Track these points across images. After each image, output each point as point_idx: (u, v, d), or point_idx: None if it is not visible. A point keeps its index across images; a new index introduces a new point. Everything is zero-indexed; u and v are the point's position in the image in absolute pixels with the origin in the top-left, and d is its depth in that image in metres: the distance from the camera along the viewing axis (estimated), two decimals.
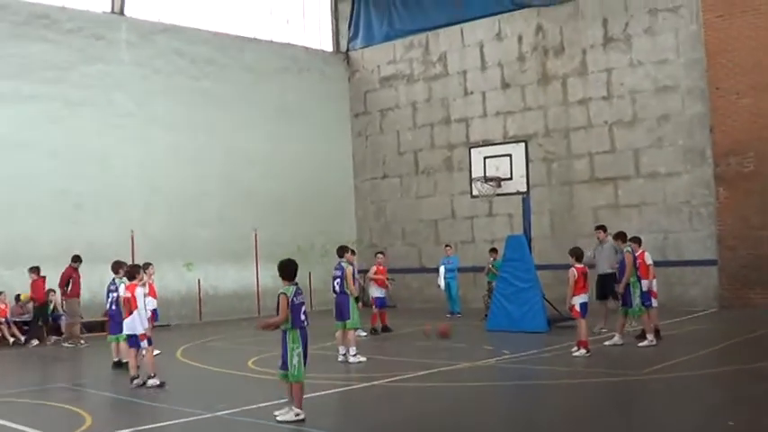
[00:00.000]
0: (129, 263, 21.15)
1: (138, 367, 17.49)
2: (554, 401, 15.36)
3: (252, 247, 34.50)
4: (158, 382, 17.11)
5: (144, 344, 17.47)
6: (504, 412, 14.54)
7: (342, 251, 21.53)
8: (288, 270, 13.70)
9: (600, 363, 18.52)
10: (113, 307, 20.36)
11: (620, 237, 21.91)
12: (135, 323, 17.43)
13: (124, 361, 19.89)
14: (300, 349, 13.36)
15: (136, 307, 17.41)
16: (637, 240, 21.86)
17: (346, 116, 40.47)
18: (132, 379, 17.39)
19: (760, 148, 28.25)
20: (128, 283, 18.07)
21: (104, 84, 31.53)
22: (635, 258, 21.15)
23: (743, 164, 28.61)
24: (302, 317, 13.36)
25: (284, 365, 13.33)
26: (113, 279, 20.56)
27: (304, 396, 13.38)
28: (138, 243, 30.66)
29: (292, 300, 13.33)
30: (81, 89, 30.90)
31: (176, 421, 13.82)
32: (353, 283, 21.20)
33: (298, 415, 13.21)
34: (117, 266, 20.59)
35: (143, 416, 14.54)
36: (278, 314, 13.24)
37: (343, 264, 21.05)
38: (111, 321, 20.81)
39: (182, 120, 33.55)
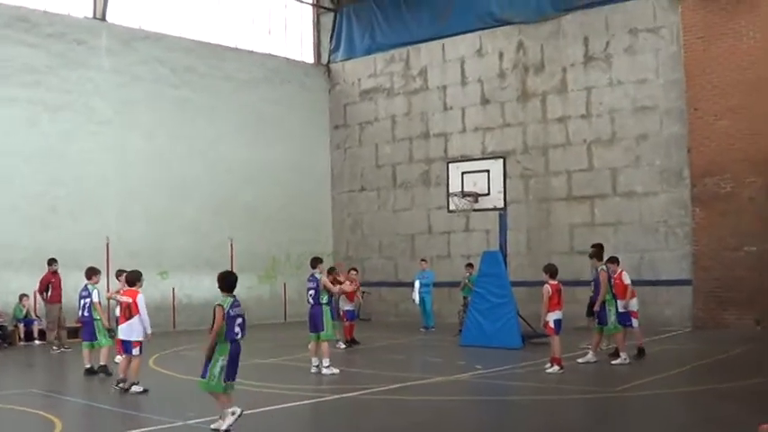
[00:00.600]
0: (121, 269, 21.13)
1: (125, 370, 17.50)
2: (526, 417, 15.33)
3: (227, 257, 34.39)
4: (141, 389, 17.15)
5: (135, 351, 17.49)
6: (475, 427, 14.49)
7: (315, 262, 21.44)
8: (226, 282, 13.66)
9: (573, 380, 18.53)
10: (86, 314, 20.31)
11: (596, 255, 21.88)
12: (131, 329, 17.56)
13: (97, 367, 19.92)
14: (225, 362, 13.16)
15: (137, 313, 17.56)
16: (615, 260, 21.91)
17: (325, 128, 40.42)
18: (119, 381, 17.40)
19: (736, 170, 28.36)
20: (127, 288, 18.24)
21: (84, 89, 31.40)
22: (610, 277, 21.18)
23: (719, 185, 28.71)
24: (236, 329, 13.23)
25: (204, 374, 13.15)
26: (86, 285, 20.59)
27: (278, 405, 13.28)
28: (114, 250, 30.48)
29: (228, 312, 13.23)
30: (60, 94, 30.77)
31: (146, 429, 13.74)
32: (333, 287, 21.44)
33: (223, 419, 13.19)
34: (90, 273, 20.73)
35: (113, 423, 14.51)
36: (212, 326, 13.05)
37: (316, 275, 20.96)
38: (84, 328, 20.72)
39: (160, 127, 33.42)
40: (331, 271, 24.54)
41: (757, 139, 27.98)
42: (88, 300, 20.30)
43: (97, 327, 20.27)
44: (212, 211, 34.75)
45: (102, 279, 29.98)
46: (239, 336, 13.27)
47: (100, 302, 20.50)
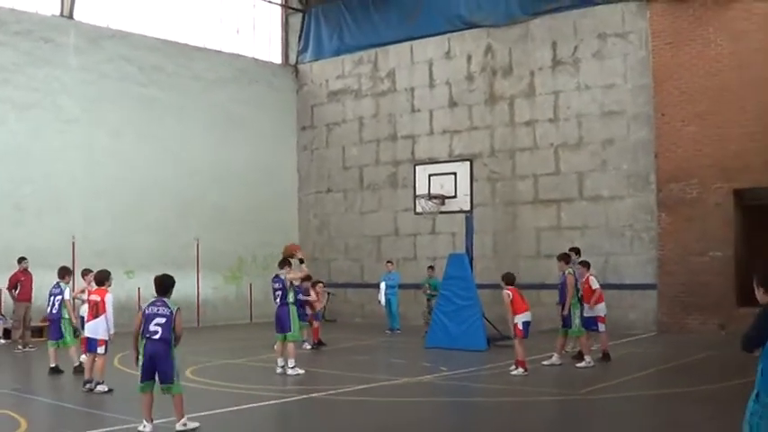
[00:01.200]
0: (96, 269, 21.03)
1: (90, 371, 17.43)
2: (490, 419, 15.33)
3: (193, 257, 34.32)
4: (106, 389, 17.04)
5: (101, 350, 17.36)
6: (440, 429, 14.48)
7: (283, 263, 21.36)
8: (155, 285, 13.61)
9: (537, 383, 18.51)
10: (54, 311, 20.17)
11: (564, 258, 21.85)
12: (98, 327, 17.48)
13: (75, 367, 19.89)
14: (141, 361, 13.22)
15: (104, 311, 17.45)
16: (586, 264, 22.01)
17: (293, 129, 40.33)
18: (86, 383, 17.31)
19: (703, 176, 28.49)
20: (95, 287, 18.14)
21: (51, 87, 31.14)
22: (577, 281, 21.24)
23: (685, 190, 28.83)
24: (151, 327, 13.08)
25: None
26: (57, 283, 20.49)
27: (243, 406, 13.21)
28: (80, 248, 30.34)
29: (144, 310, 13.32)
30: (27, 92, 30.51)
31: (111, 428, 13.71)
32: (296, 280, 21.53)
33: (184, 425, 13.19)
34: (64, 272, 20.71)
35: (79, 422, 14.37)
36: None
37: (281, 276, 20.87)
38: (51, 326, 20.59)
39: (128, 126, 33.16)
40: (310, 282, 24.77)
41: (724, 145, 28.11)
42: (59, 297, 20.16)
43: (64, 325, 20.14)
44: (179, 211, 34.56)
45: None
46: (156, 335, 13.06)
47: (71, 300, 20.41)
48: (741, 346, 8.37)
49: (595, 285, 21.65)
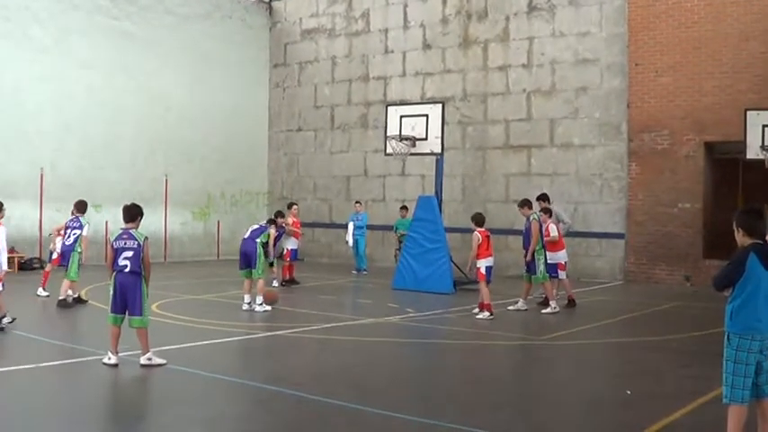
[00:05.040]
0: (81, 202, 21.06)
1: None
2: (453, 361, 15.36)
3: (162, 193, 34.16)
4: (10, 320, 16.49)
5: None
6: (405, 368, 14.48)
7: (277, 215, 22.67)
8: (123, 212, 13.72)
9: (502, 327, 18.54)
10: (67, 243, 20.39)
11: (526, 204, 21.79)
12: None
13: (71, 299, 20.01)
14: (111, 292, 13.27)
15: None
16: (547, 212, 22.00)
17: (265, 66, 40.09)
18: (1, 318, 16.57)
19: (674, 127, 28.54)
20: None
21: (21, 17, 30.50)
22: (541, 227, 21.25)
23: (657, 141, 28.89)
24: (120, 261, 13.13)
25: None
26: (77, 216, 20.68)
27: (209, 341, 13.12)
28: (48, 181, 30.19)
29: (112, 243, 13.35)
30: None
31: (76, 360, 13.76)
32: (273, 247, 22.06)
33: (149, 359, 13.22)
34: (82, 206, 20.89)
35: (44, 354, 14.21)
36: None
37: (269, 227, 21.43)
38: (62, 256, 20.59)
39: (99, 59, 32.69)
40: (278, 215, 24.67)
41: (697, 97, 28.16)
42: (77, 231, 20.30)
43: (73, 258, 20.10)
44: (149, 146, 34.28)
45: (36, 210, 29.94)
46: (126, 269, 13.08)
47: (87, 237, 20.56)
48: (713, 283, 8.69)
49: (554, 233, 21.64)
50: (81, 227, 20.33)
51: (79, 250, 20.14)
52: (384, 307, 21.68)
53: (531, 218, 21.26)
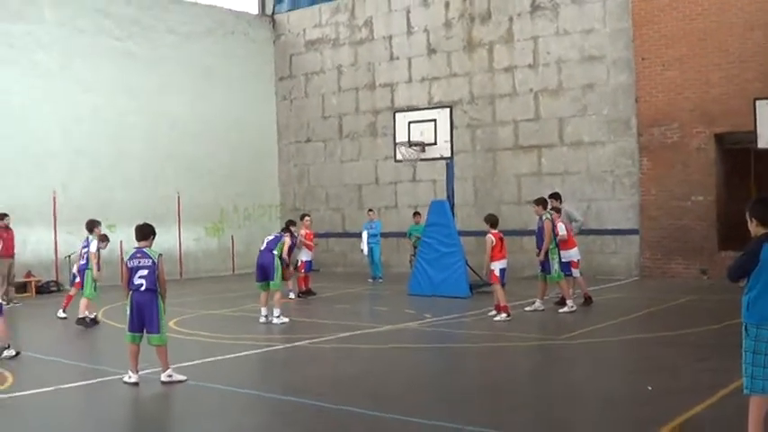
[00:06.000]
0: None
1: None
2: (471, 364, 15.41)
3: (174, 210, 34.20)
4: (14, 353, 15.90)
5: None
6: (425, 373, 14.49)
7: (289, 223, 23.47)
8: (135, 232, 13.78)
9: (520, 328, 18.53)
10: (82, 263, 20.68)
11: (541, 203, 21.80)
12: None
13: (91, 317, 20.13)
14: (128, 312, 13.38)
15: None
16: (557, 210, 22.00)
17: (271, 79, 40.09)
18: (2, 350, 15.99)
19: (684, 120, 28.46)
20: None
21: (26, 43, 30.70)
22: (554, 226, 21.25)
23: (666, 134, 28.81)
24: (136, 281, 13.21)
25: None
26: (87, 237, 20.82)
27: (229, 355, 13.15)
28: (60, 204, 30.31)
29: (126, 262, 13.47)
30: (2, 48, 30.12)
31: (97, 380, 13.78)
32: (288, 256, 22.14)
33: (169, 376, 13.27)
34: (92, 225, 20.99)
35: (69, 375, 14.23)
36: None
37: (284, 236, 21.56)
38: (81, 278, 20.81)
39: (105, 81, 32.80)
40: (290, 224, 24.67)
41: (704, 89, 28.07)
42: (86, 250, 20.55)
43: (87, 277, 20.24)
44: (158, 164, 34.31)
45: (50, 233, 30.06)
46: (142, 287, 13.16)
47: (97, 253, 20.54)
48: (727, 274, 8.66)
49: (562, 231, 21.59)
50: (88, 245, 20.50)
51: (91, 267, 20.20)
52: (401, 313, 21.67)
53: (544, 217, 21.26)
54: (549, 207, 21.97)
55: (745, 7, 27.40)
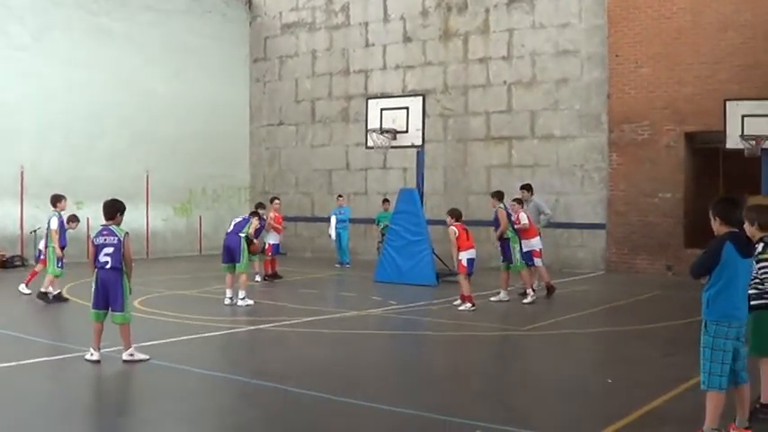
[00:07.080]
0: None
1: None
2: (435, 352, 15.47)
3: (143, 189, 34.10)
4: None
5: None
6: (388, 359, 14.55)
7: (258, 206, 23.37)
8: (102, 209, 13.71)
9: (484, 318, 18.61)
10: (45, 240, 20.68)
11: (496, 195, 21.91)
12: None
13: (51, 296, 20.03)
14: (92, 289, 13.36)
15: None
16: (519, 201, 22.12)
17: (245, 61, 40.00)
18: None
19: (655, 118, 28.63)
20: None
21: (0, 14, 30.59)
22: (509, 215, 21.38)
23: (637, 131, 28.97)
24: (101, 258, 13.18)
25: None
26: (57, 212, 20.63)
27: (193, 335, 13.15)
28: (28, 179, 30.13)
29: (93, 239, 13.45)
30: None
31: (58, 357, 13.85)
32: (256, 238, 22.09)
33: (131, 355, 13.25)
34: (54, 199, 20.80)
35: (25, 351, 14.18)
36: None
37: (251, 219, 21.41)
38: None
39: (79, 56, 32.50)
40: (259, 207, 24.71)
41: (676, 87, 28.25)
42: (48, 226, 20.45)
43: (49, 254, 20.14)
44: (130, 142, 34.09)
45: (17, 208, 29.88)
46: (108, 265, 13.13)
47: (57, 230, 20.28)
48: (689, 271, 8.86)
49: (524, 220, 21.67)
50: (49, 220, 20.36)
51: (53, 244, 20.12)
52: (367, 299, 21.71)
53: (498, 207, 21.50)
54: (512, 200, 22.15)
55: (719, 8, 27.56)
